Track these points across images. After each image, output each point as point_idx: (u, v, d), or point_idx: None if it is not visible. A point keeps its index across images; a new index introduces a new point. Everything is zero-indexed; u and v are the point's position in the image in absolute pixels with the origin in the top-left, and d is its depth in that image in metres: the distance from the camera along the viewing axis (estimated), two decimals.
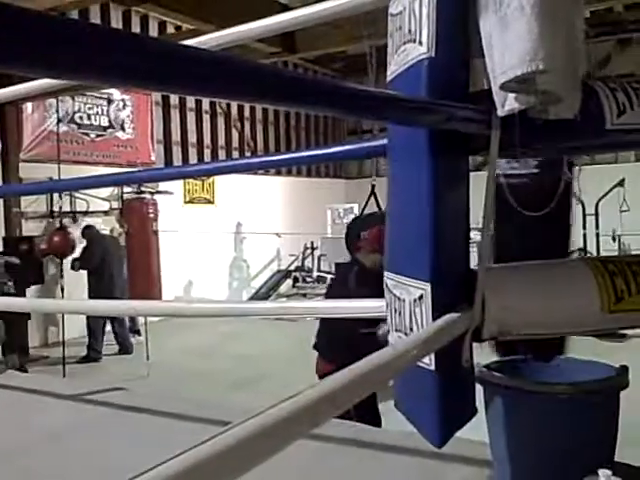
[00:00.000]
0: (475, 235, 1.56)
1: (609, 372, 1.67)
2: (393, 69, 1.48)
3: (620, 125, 1.49)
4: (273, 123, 14.01)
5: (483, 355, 1.66)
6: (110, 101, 9.92)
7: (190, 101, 11.55)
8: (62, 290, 7.11)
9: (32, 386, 3.05)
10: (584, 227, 10.42)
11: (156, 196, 8.07)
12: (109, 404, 2.70)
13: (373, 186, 6.62)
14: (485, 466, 1.84)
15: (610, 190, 10.43)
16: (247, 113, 13.18)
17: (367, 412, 3.18)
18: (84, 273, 7.70)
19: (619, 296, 1.50)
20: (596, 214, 10.46)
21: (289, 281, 12.65)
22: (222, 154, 12.40)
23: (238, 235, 12.50)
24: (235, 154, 12.73)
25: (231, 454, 0.77)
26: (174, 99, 11.28)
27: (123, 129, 10.14)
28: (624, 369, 1.68)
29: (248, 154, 12.71)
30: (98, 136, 9.75)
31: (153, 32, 10.41)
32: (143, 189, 7.75)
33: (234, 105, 12.54)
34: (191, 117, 11.87)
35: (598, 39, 12.84)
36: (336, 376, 1.03)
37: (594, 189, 10.34)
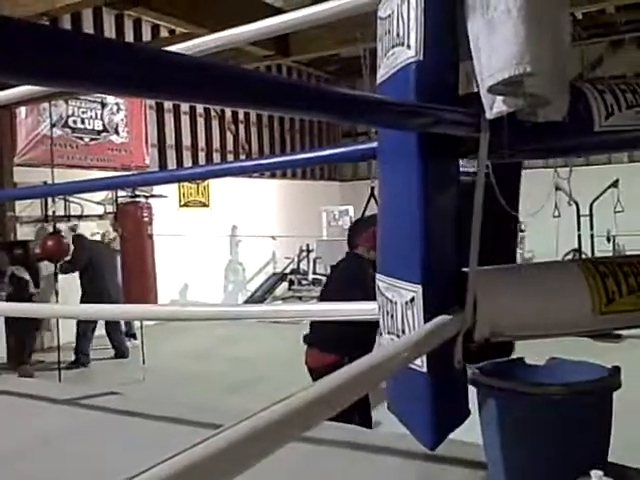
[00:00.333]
0: None
1: (602, 373, 1.68)
2: (382, 72, 1.49)
3: (608, 127, 1.50)
4: (267, 126, 14.02)
5: None
6: (104, 105, 9.91)
7: (184, 105, 11.55)
8: (57, 294, 7.09)
9: (27, 391, 3.04)
10: (578, 228, 10.45)
11: (151, 200, 8.06)
12: (104, 408, 2.69)
13: (372, 188, 6.63)
14: (479, 468, 1.84)
15: (604, 191, 10.46)
16: (241, 116, 13.19)
17: (357, 413, 3.19)
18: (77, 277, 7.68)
19: (610, 297, 1.51)
20: (590, 215, 10.48)
21: (285, 284, 12.65)
22: (217, 157, 12.40)
23: (233, 238, 12.49)
24: (230, 157, 12.73)
25: (223, 457, 0.77)
26: (168, 103, 11.28)
27: (117, 133, 10.14)
28: (617, 370, 1.68)
29: (243, 157, 12.71)
30: (92, 140, 9.75)
31: (146, 36, 10.42)
32: (137, 193, 7.74)
33: (228, 108, 12.55)
34: (185, 120, 11.87)
35: (590, 41, 12.91)
36: (328, 378, 1.04)
37: (588, 190, 10.37)
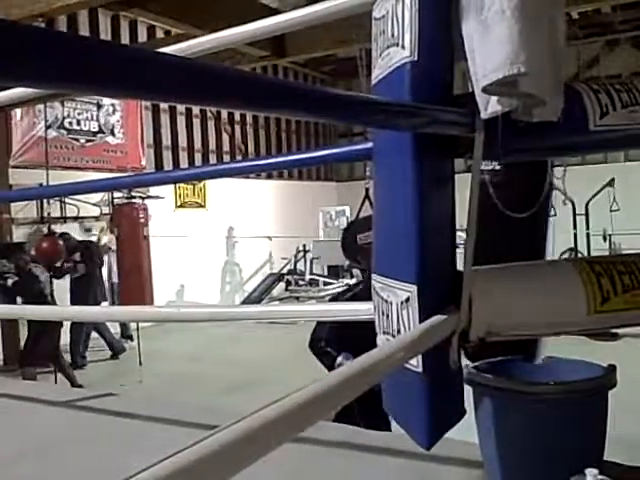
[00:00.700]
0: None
1: (597, 371, 1.68)
2: (377, 73, 1.49)
3: (603, 126, 1.50)
4: (264, 127, 14.03)
5: None
6: (100, 106, 9.91)
7: (180, 105, 11.55)
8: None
9: (23, 393, 3.04)
10: (575, 227, 10.47)
11: (147, 201, 8.06)
12: (101, 410, 2.69)
13: (367, 189, 6.62)
14: (476, 467, 1.85)
15: (600, 190, 10.48)
16: (238, 117, 13.19)
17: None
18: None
19: (605, 296, 1.52)
20: (586, 214, 10.51)
21: (282, 284, 12.65)
22: (213, 158, 12.41)
23: (230, 239, 12.49)
24: (226, 158, 12.74)
25: (217, 458, 0.77)
26: (164, 104, 11.28)
27: (113, 134, 10.13)
28: (612, 368, 1.68)
29: (239, 158, 12.71)
30: (88, 141, 9.74)
31: (142, 37, 10.41)
32: (134, 194, 7.74)
33: (223, 109, 12.55)
34: (181, 121, 11.87)
35: (586, 40, 12.95)
36: (323, 379, 1.04)
37: (584, 189, 10.39)
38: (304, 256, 12.72)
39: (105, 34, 9.90)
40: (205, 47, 2.60)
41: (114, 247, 7.84)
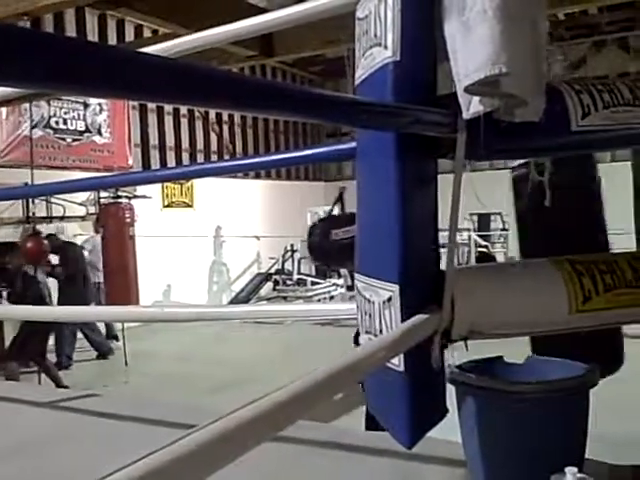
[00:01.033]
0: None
1: (579, 370, 1.69)
2: (360, 73, 1.49)
3: (585, 126, 1.51)
4: (252, 127, 14.01)
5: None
6: (86, 105, 9.85)
7: (168, 105, 11.50)
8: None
9: (5, 393, 3.02)
10: None
11: (134, 200, 8.02)
12: (84, 411, 2.67)
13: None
14: (461, 466, 1.86)
15: None
16: (225, 117, 13.16)
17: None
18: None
19: (587, 295, 1.53)
20: None
21: (269, 284, 12.64)
22: (200, 158, 12.38)
23: (217, 239, 12.46)
24: (214, 158, 12.71)
25: (192, 458, 0.77)
26: (151, 103, 11.23)
27: (100, 133, 10.08)
28: (594, 367, 1.69)
29: (227, 158, 12.68)
30: (74, 140, 9.68)
31: (129, 36, 10.37)
32: (120, 194, 7.70)
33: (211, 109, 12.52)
34: (169, 121, 11.83)
35: (573, 41, 13.03)
36: (303, 379, 1.03)
37: None
38: (292, 256, 12.71)
39: (92, 33, 9.85)
40: (191, 46, 2.60)
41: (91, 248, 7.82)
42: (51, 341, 7.76)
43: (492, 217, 13.15)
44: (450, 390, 1.59)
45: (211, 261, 12.53)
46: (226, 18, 2.52)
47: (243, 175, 12.57)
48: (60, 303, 7.36)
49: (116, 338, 8.30)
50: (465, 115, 1.31)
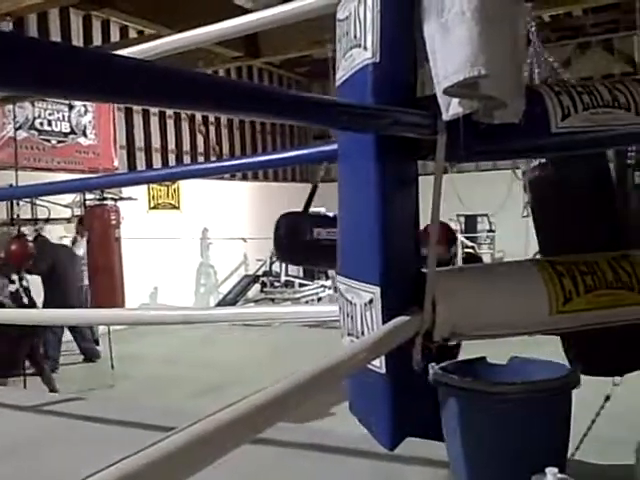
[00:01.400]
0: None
1: (561, 371, 1.70)
2: (341, 74, 1.49)
3: (565, 128, 1.52)
4: (239, 128, 13.97)
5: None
6: (71, 107, 9.79)
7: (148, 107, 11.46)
8: (22, 299, 6.96)
9: None
10: None
11: (120, 202, 7.97)
12: (67, 414, 2.65)
13: (315, 187, 6.47)
14: (444, 467, 1.86)
15: None
16: (212, 118, 13.11)
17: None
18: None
19: (567, 297, 1.53)
20: None
21: (257, 286, 12.60)
22: (187, 159, 12.32)
23: (204, 240, 12.42)
24: (200, 159, 12.66)
25: (168, 462, 0.76)
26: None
27: (85, 135, 10.01)
28: (576, 368, 1.70)
29: (214, 159, 12.64)
30: (59, 142, 9.61)
31: (115, 37, 10.31)
32: (106, 195, 7.65)
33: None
34: (155, 122, 11.77)
35: (558, 43, 13.11)
36: (283, 381, 1.03)
37: None
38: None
39: (76, 34, 9.79)
40: (176, 46, 2.59)
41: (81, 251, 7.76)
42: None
43: (479, 219, 13.21)
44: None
45: (198, 263, 12.49)
46: (211, 19, 2.52)
47: (230, 177, 12.54)
48: (45, 306, 7.30)
49: (97, 342, 8.23)
50: (445, 117, 1.32)
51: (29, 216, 8.62)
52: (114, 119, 10.58)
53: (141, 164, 11.30)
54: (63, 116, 9.69)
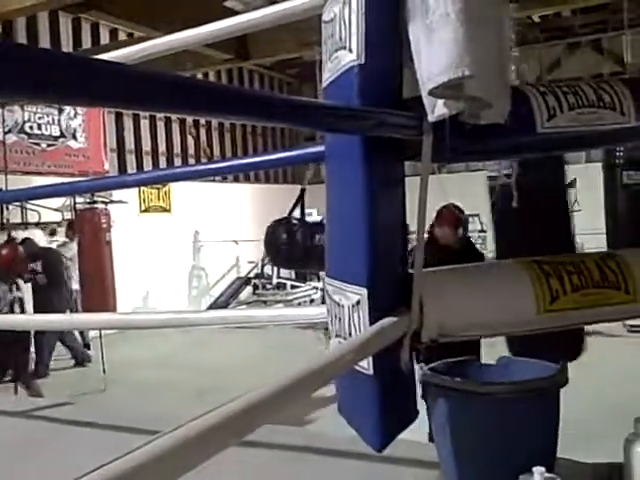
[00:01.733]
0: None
1: (550, 370, 1.70)
2: (327, 76, 1.49)
3: (550, 128, 1.53)
4: (230, 130, 13.95)
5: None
6: (61, 110, 9.75)
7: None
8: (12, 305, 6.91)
9: None
10: None
11: (111, 206, 7.94)
12: (55, 419, 2.64)
13: (303, 190, 6.47)
14: (434, 467, 1.86)
15: None
16: (203, 120, 13.09)
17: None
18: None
19: (554, 296, 1.54)
20: None
21: (249, 288, 12.58)
22: (178, 162, 12.29)
23: (196, 243, 12.40)
24: (191, 162, 12.63)
25: (149, 467, 0.76)
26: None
27: (75, 138, 9.98)
28: (564, 366, 1.71)
29: (205, 161, 12.62)
30: (49, 146, 9.58)
31: (104, 39, 10.29)
32: (96, 199, 7.62)
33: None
34: (145, 125, 11.74)
35: (548, 43, 13.17)
36: (269, 384, 1.03)
37: None
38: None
39: (66, 37, 9.75)
40: (164, 48, 2.58)
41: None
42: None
43: (470, 219, 13.22)
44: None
45: (190, 266, 12.46)
46: (201, 22, 2.51)
47: (221, 179, 12.53)
48: (37, 311, 7.26)
49: (87, 347, 8.19)
50: (430, 118, 1.32)
51: (19, 220, 8.58)
52: (104, 122, 10.56)
53: (132, 167, 11.27)
54: (53, 119, 9.65)
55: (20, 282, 6.53)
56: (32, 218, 8.87)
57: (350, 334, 1.41)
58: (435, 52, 1.24)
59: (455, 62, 1.21)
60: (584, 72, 11.50)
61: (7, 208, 7.67)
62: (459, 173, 10.48)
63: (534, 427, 1.60)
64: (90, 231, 7.26)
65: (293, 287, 11.90)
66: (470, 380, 1.67)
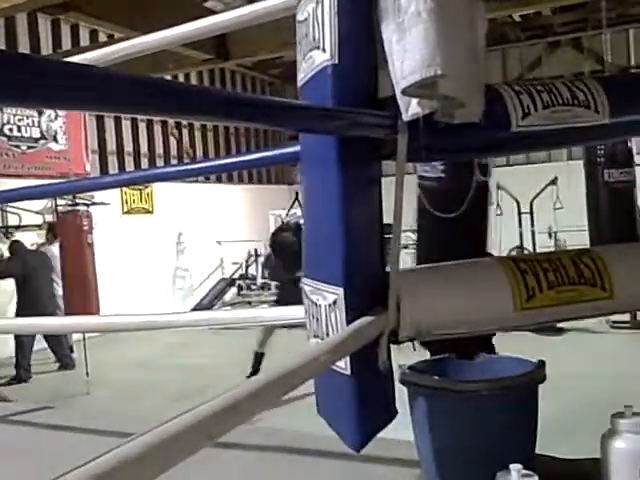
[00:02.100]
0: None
1: (528, 367, 1.71)
2: (302, 76, 1.49)
3: (525, 127, 1.53)
4: (212, 130, 13.91)
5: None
6: (41, 112, 9.67)
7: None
8: None
9: None
10: (520, 225, 10.68)
11: (92, 208, 7.89)
12: (36, 423, 2.62)
13: (297, 193, 6.55)
14: (415, 466, 1.86)
15: (544, 188, 10.71)
16: (185, 121, 13.04)
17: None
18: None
19: (530, 293, 1.55)
20: (531, 212, 10.75)
21: (234, 289, 12.56)
22: (160, 163, 12.23)
23: (179, 244, 12.35)
24: (174, 163, 12.57)
25: (121, 470, 0.76)
26: None
27: (56, 140, 9.89)
28: (542, 363, 1.72)
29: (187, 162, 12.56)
30: (30, 148, 9.49)
31: (84, 41, 10.21)
32: (78, 201, 7.57)
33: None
34: (127, 126, 11.67)
35: (528, 42, 13.26)
36: (244, 384, 1.03)
37: (529, 188, 10.62)
38: (255, 260, 12.65)
39: (45, 38, 9.67)
40: (142, 48, 2.56)
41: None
42: (10, 352, 7.62)
43: None
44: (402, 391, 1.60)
45: (173, 267, 12.41)
46: (182, 22, 2.50)
47: (204, 180, 12.49)
48: (19, 314, 7.21)
49: (70, 349, 8.13)
50: (404, 117, 1.32)
51: None
52: (85, 124, 10.48)
53: (113, 168, 11.20)
54: (33, 122, 9.57)
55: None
56: (13, 221, 8.80)
57: (327, 334, 1.41)
58: (407, 51, 1.24)
59: (427, 61, 1.21)
60: (565, 71, 11.59)
61: None
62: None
63: (511, 424, 1.61)
64: (72, 233, 7.20)
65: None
66: (446, 378, 1.67)
